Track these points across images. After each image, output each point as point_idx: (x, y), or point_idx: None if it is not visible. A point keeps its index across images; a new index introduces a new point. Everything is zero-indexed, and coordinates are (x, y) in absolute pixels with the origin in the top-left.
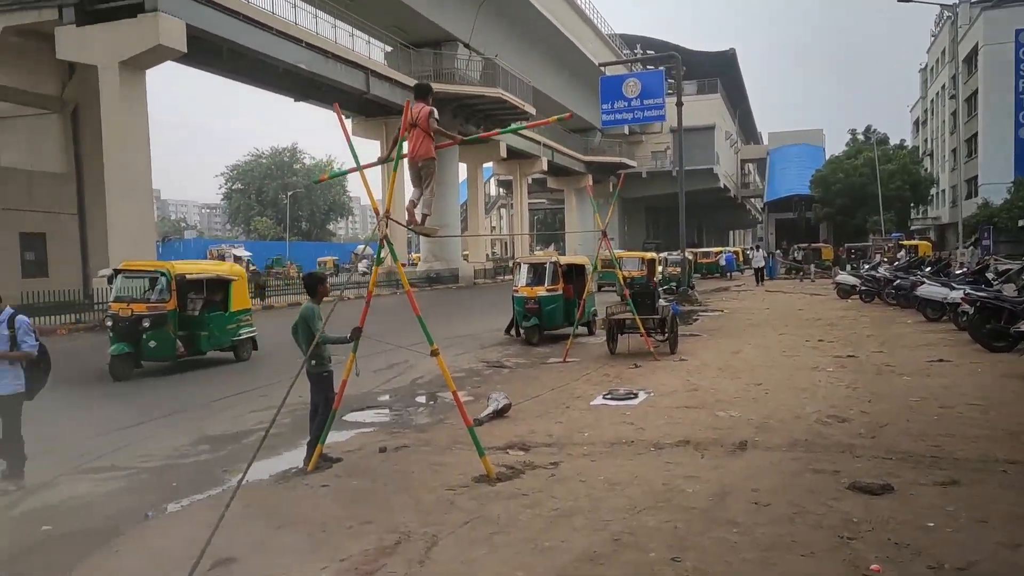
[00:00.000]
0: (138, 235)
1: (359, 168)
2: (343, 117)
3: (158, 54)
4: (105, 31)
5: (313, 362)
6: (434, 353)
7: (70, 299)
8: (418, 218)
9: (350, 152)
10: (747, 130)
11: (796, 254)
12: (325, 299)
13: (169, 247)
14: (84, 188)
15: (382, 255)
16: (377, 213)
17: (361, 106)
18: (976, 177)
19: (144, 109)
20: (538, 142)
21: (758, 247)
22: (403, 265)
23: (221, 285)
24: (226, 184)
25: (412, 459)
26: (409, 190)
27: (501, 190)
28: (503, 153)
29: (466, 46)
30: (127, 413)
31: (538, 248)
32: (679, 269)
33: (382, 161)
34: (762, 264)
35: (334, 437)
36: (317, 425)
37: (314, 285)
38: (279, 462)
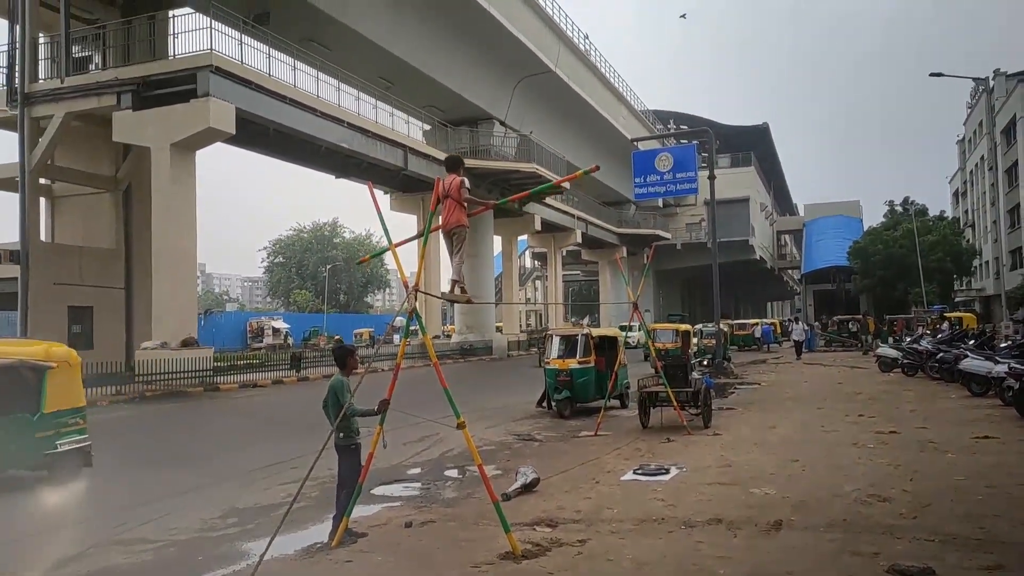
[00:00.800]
0: (181, 309)
1: (391, 247)
2: (375, 195)
3: (208, 136)
4: (159, 115)
5: (341, 434)
6: (460, 426)
7: (113, 371)
8: (451, 287)
9: (382, 229)
10: (782, 202)
11: (851, 325)
12: (355, 371)
13: (212, 320)
14: (132, 263)
15: (411, 328)
16: (407, 287)
17: (400, 182)
18: (1020, 248)
19: (193, 188)
20: (572, 215)
21: (797, 319)
22: (437, 337)
23: (23, 377)
24: (268, 258)
25: (438, 534)
26: (447, 263)
27: (536, 263)
28: (537, 226)
29: (502, 123)
30: (160, 484)
31: (572, 320)
32: (714, 341)
33: (414, 238)
34: (802, 337)
35: (360, 511)
36: (343, 499)
37: (343, 357)
38: (304, 536)
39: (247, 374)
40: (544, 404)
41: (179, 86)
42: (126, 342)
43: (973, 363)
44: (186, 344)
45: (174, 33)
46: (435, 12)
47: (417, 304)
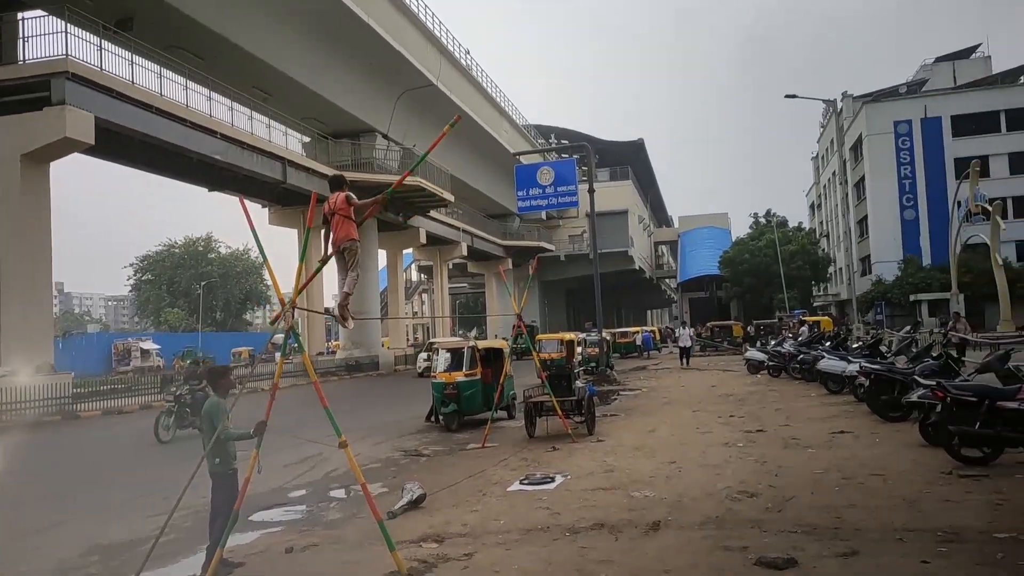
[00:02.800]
0: (35, 332)
1: (265, 259)
2: (247, 209)
3: (64, 147)
4: (7, 124)
5: (216, 460)
6: (342, 445)
7: None
8: (340, 299)
9: (256, 244)
10: (658, 214)
11: (709, 332)
12: (231, 392)
13: (71, 342)
14: None
15: (289, 345)
16: (283, 303)
17: (279, 196)
18: (868, 256)
19: (47, 202)
20: (457, 228)
21: (684, 324)
22: (321, 353)
23: None
24: (135, 275)
25: (321, 559)
26: (331, 279)
27: (422, 276)
28: (423, 239)
29: (384, 136)
30: (11, 523)
31: (459, 333)
32: (597, 350)
33: (323, 262)
34: (689, 343)
35: (236, 539)
36: (218, 528)
37: (216, 378)
38: (175, 570)
39: (111, 400)
40: (433, 418)
41: (30, 93)
42: None
43: (829, 363)
44: (41, 370)
45: (24, 36)
46: (314, 23)
47: (298, 320)
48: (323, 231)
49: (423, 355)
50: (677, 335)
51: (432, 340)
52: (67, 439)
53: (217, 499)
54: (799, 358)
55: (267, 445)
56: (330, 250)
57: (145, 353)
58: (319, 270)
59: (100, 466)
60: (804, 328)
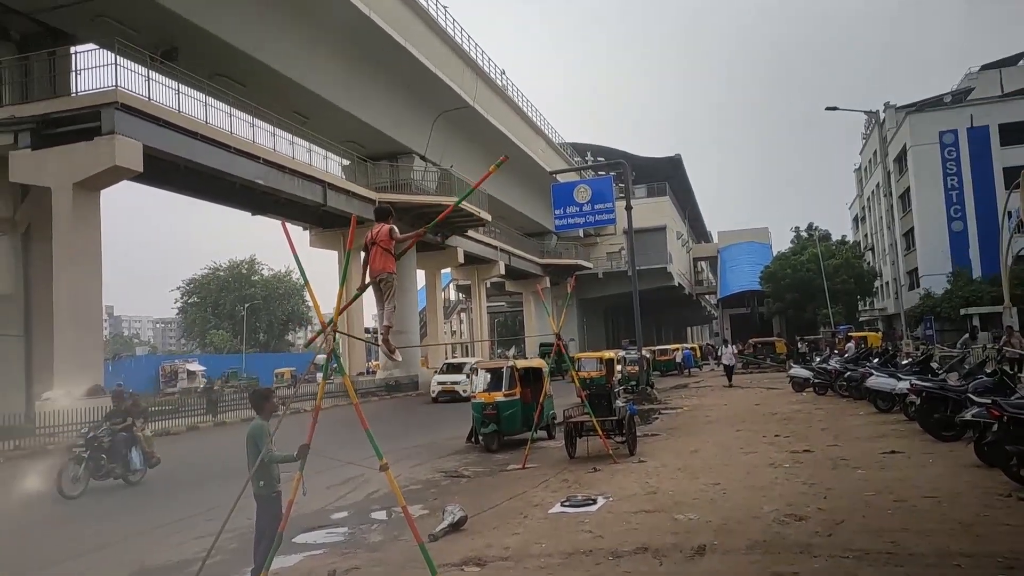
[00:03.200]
0: (86, 355)
1: (306, 282)
2: (289, 233)
3: (114, 175)
4: (60, 154)
5: (261, 483)
6: (383, 468)
7: (11, 423)
8: (382, 332)
9: (298, 267)
10: (697, 230)
11: (752, 349)
12: (274, 414)
13: (120, 365)
14: (32, 309)
15: (330, 367)
16: (323, 326)
17: (319, 218)
18: (916, 269)
19: (97, 229)
20: (495, 247)
21: (727, 342)
22: (362, 374)
23: None
24: (182, 298)
25: None
26: (370, 299)
27: (460, 295)
28: (460, 259)
29: (422, 158)
30: (59, 544)
31: (498, 353)
32: (637, 368)
33: (360, 292)
34: (732, 361)
35: (281, 562)
36: (262, 551)
37: (260, 401)
38: None
39: (159, 420)
40: (473, 439)
41: (82, 123)
42: (26, 393)
43: (878, 380)
44: (92, 393)
45: (76, 70)
46: (351, 48)
47: (339, 342)
48: (363, 257)
49: (436, 378)
50: (720, 352)
51: (447, 361)
52: None
53: (262, 521)
54: (846, 375)
55: (309, 467)
56: (367, 279)
57: (191, 374)
58: (357, 296)
59: (146, 487)
60: (851, 344)
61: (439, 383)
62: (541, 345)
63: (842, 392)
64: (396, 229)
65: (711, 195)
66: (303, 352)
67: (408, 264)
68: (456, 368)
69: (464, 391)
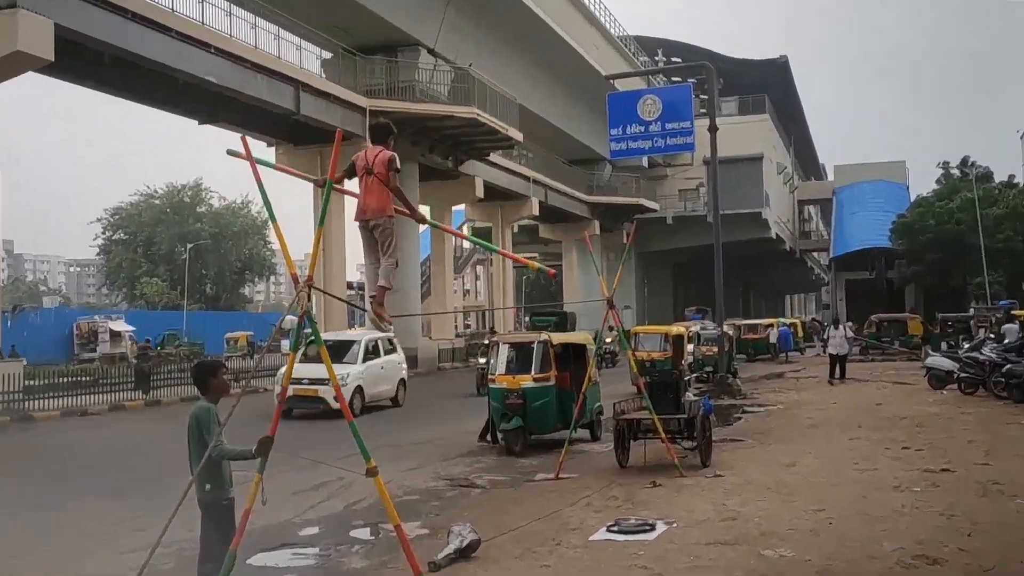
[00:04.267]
0: None
1: (275, 224)
2: (250, 150)
3: (15, 64)
4: None
5: (207, 486)
6: (371, 472)
7: None
8: (376, 296)
9: (261, 197)
10: (806, 162)
11: (874, 328)
12: (226, 395)
13: (23, 320)
14: None
15: (301, 336)
16: (296, 281)
17: (290, 131)
18: None
19: None
20: (526, 178)
21: (837, 322)
22: None
23: None
24: (103, 234)
25: None
26: (356, 246)
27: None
28: (479, 192)
29: (431, 52)
30: None
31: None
32: (716, 349)
33: (320, 212)
34: (844, 350)
35: None
36: (208, 573)
37: (205, 377)
38: None
39: (73, 396)
40: (489, 437)
41: None
42: None
43: None
44: None
45: None
46: None
47: (313, 301)
48: (351, 184)
49: (295, 368)
50: (826, 335)
51: (330, 336)
52: (17, 448)
53: (208, 535)
54: (1005, 368)
55: (272, 467)
56: (326, 208)
57: (115, 336)
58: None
59: (58, 485)
60: (1012, 326)
61: (293, 381)
62: (534, 316)
63: (999, 392)
64: (397, 161)
65: (827, 114)
66: (265, 311)
67: (408, 197)
68: (340, 350)
69: (333, 402)
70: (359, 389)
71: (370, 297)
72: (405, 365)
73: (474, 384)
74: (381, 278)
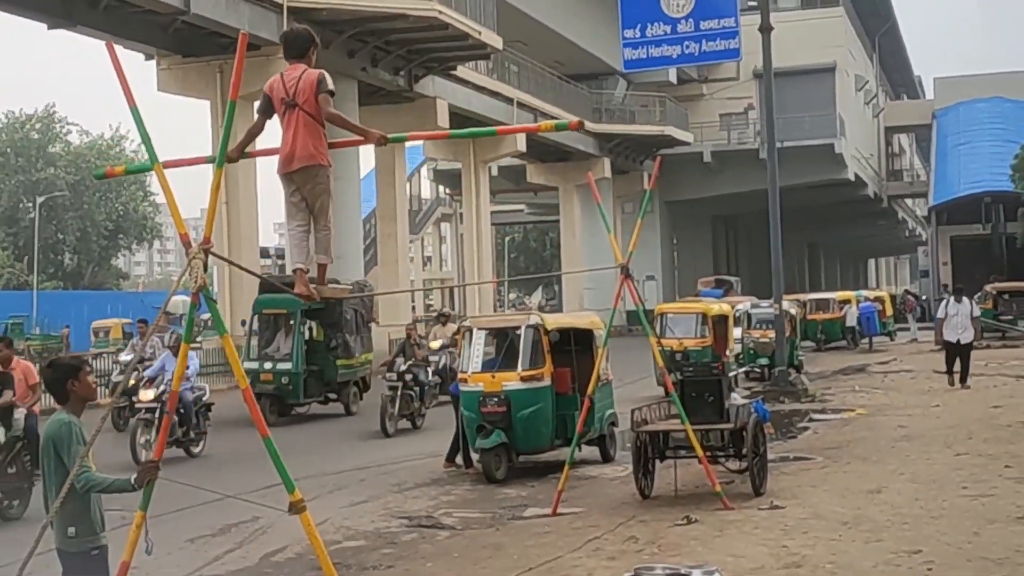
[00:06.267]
0: None
1: (156, 165)
2: (119, 62)
3: None
4: None
5: (71, 528)
6: (295, 508)
7: None
8: (307, 268)
9: (137, 127)
10: (895, 74)
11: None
12: (93, 403)
13: None
14: None
15: (199, 318)
16: (187, 245)
17: (177, 38)
18: None
19: None
20: (510, 100)
21: (960, 294)
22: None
23: None
24: None
25: None
26: (275, 195)
27: (442, 190)
28: (443, 121)
29: None
30: None
31: (521, 299)
32: (773, 334)
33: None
34: (971, 335)
35: None
36: None
37: (63, 380)
38: None
39: None
40: (459, 459)
41: None
42: None
43: None
44: None
45: None
46: None
47: (214, 270)
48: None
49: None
50: (945, 309)
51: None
52: None
53: None
54: None
55: (160, 502)
56: (225, 147)
57: None
58: (190, 163)
59: None
60: None
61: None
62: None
63: None
64: (329, 80)
65: (924, 9)
66: (147, 290)
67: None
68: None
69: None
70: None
71: (293, 271)
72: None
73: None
74: (318, 251)
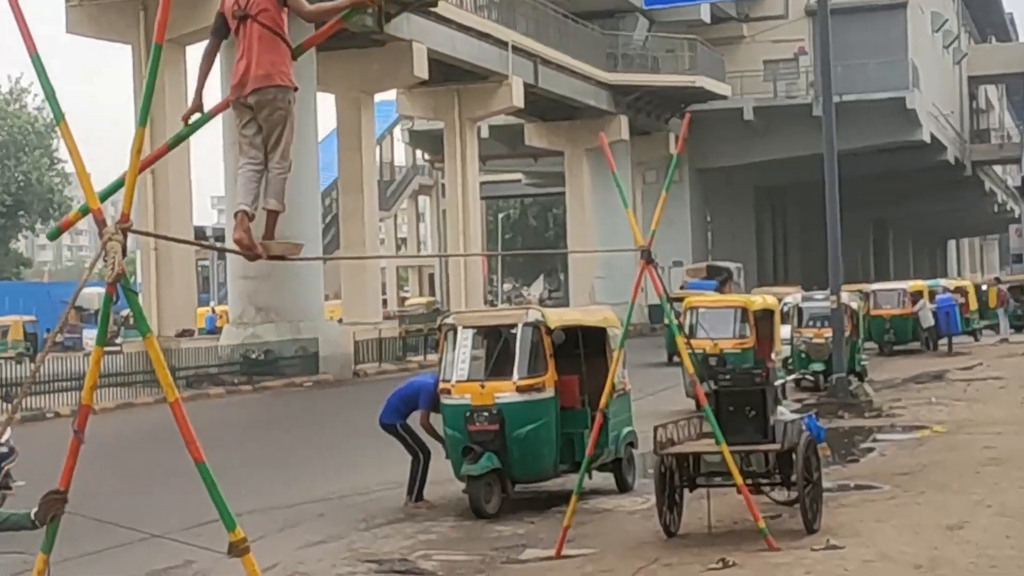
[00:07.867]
0: None
1: (62, 123)
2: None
3: None
4: None
5: None
6: (237, 550)
7: None
8: (254, 214)
9: (38, 79)
10: (982, 16)
11: None
12: None
13: None
14: None
15: (112, 318)
16: (101, 223)
17: None
18: None
19: None
20: (503, 43)
21: None
22: (190, 332)
23: None
24: None
25: None
26: (210, 159)
27: (420, 156)
28: (421, 70)
29: None
30: None
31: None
32: (831, 332)
33: (191, 114)
34: None
35: None
36: None
37: None
38: None
39: None
40: (415, 494)
41: None
42: None
43: None
44: None
45: None
46: None
47: (135, 254)
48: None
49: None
50: None
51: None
52: None
53: None
54: None
55: (68, 542)
56: (226, 95)
57: None
58: (183, 138)
59: None
60: None
61: None
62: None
63: None
64: None
65: None
66: (53, 281)
67: (303, 81)
68: None
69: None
70: None
71: (234, 215)
72: None
73: None
74: (268, 194)
